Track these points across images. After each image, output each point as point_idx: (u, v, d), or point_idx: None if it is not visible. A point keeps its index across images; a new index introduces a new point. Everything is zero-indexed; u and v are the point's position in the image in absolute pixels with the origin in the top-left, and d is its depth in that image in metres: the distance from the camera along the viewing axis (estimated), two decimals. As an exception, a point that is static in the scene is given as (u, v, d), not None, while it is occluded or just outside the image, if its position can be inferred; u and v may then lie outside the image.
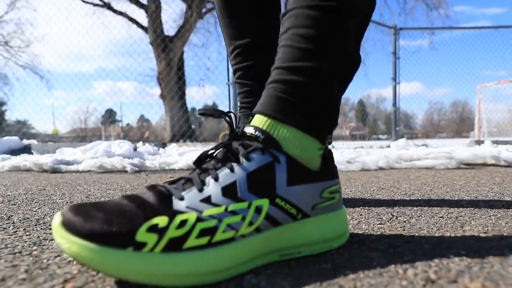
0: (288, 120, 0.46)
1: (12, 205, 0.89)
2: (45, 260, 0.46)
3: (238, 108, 0.84)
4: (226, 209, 0.40)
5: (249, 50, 0.80)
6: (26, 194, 1.08)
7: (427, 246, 0.50)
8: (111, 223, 0.36)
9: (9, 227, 0.65)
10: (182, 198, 0.40)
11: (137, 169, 1.96)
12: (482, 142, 3.68)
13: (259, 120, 0.47)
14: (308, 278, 0.39)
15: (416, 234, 0.56)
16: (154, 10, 7.47)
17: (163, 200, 0.40)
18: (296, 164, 0.45)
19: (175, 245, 0.37)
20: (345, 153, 2.71)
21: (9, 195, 1.07)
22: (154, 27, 7.46)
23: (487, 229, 0.59)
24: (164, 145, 3.90)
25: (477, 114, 7.19)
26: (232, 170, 0.42)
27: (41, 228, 0.63)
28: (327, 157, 0.49)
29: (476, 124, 7.14)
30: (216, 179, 0.42)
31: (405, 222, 0.65)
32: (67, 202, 0.91)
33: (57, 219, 0.37)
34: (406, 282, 0.37)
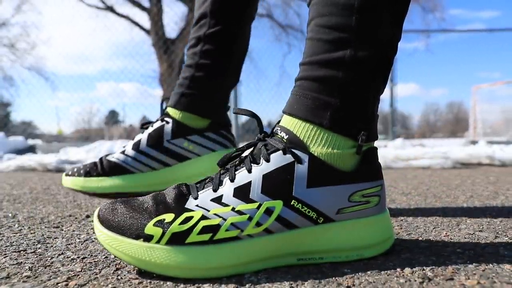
0: (312, 118, 0.44)
1: (17, 203, 0.90)
2: (49, 258, 0.47)
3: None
4: (233, 209, 0.41)
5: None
6: (31, 193, 1.08)
7: (424, 244, 0.51)
8: (131, 217, 0.41)
9: (14, 225, 0.65)
10: (196, 197, 0.42)
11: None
12: (477, 142, 3.69)
13: (285, 120, 0.45)
14: (307, 275, 0.39)
15: (413, 233, 0.57)
16: (156, 13, 7.45)
17: (179, 198, 0.42)
18: (321, 164, 0.42)
19: (178, 239, 0.40)
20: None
21: (14, 194, 1.08)
22: (156, 30, 7.44)
23: (482, 227, 0.60)
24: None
25: (472, 115, 7.18)
26: (249, 171, 0.42)
27: (45, 227, 0.64)
28: (368, 156, 0.45)
29: (471, 125, 7.14)
30: (232, 179, 0.42)
31: (402, 220, 0.66)
32: (71, 201, 0.92)
33: (96, 212, 0.44)
34: (404, 279, 0.38)
